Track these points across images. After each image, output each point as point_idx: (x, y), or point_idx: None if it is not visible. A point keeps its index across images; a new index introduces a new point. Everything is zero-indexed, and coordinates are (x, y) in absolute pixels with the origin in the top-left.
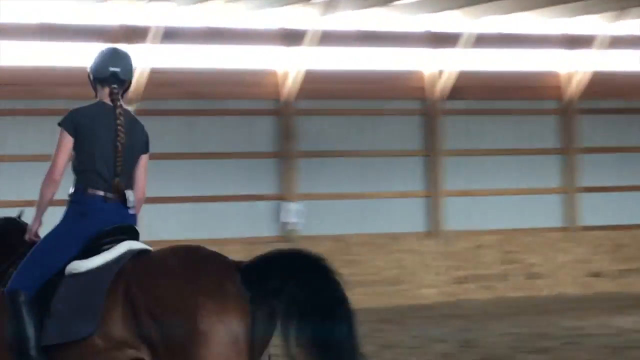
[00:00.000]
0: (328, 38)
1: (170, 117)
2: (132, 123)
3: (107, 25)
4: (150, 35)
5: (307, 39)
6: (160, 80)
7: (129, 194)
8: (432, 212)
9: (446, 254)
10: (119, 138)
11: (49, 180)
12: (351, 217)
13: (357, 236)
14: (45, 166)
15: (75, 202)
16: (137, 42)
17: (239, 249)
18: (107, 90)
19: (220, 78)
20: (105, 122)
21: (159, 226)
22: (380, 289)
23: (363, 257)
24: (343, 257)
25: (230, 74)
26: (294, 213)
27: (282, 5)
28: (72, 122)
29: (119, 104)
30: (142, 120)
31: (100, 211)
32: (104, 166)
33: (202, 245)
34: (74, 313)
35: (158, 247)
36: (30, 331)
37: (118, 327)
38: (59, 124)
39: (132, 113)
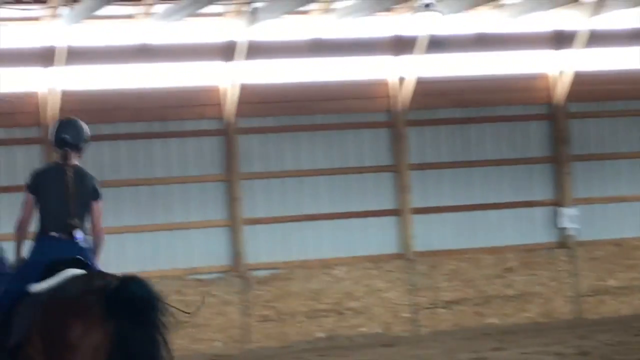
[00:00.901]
0: (597, 39)
1: (441, 127)
2: (82, 177)
3: (376, 38)
4: (417, 46)
5: (576, 40)
6: (428, 90)
7: (77, 232)
8: None
9: None
10: (67, 191)
11: (16, 229)
12: (630, 220)
13: (636, 240)
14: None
15: (37, 241)
16: (404, 53)
17: (514, 257)
18: (60, 153)
19: (489, 85)
20: (58, 179)
21: (435, 236)
22: None
23: None
24: (623, 261)
25: (499, 80)
26: (569, 218)
27: (551, 8)
28: (33, 183)
29: (68, 163)
30: (412, 130)
31: (54, 247)
32: (58, 213)
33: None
34: (19, 323)
35: (433, 258)
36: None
37: (36, 338)
38: (25, 186)
39: (82, 169)
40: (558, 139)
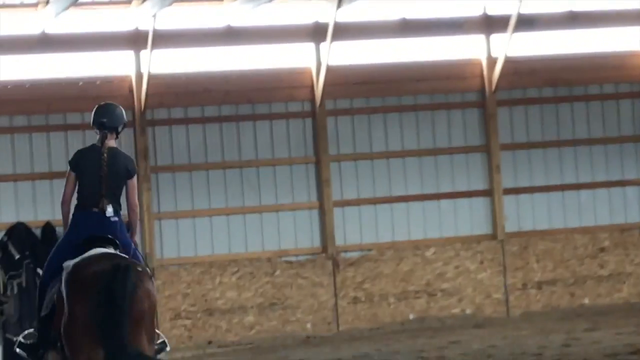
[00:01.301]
0: None
1: (531, 106)
2: (116, 157)
3: (465, 17)
4: (507, 24)
5: None
6: (518, 69)
7: (109, 208)
8: None
9: None
10: (102, 170)
11: (61, 204)
12: None
13: None
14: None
15: (74, 215)
16: (494, 32)
17: (607, 237)
18: (99, 135)
19: (580, 63)
20: (94, 158)
21: (526, 216)
22: None
23: None
24: None
25: (590, 58)
26: None
27: None
28: (74, 162)
29: (105, 144)
30: (503, 110)
31: (87, 222)
32: (92, 190)
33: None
34: (50, 296)
35: (525, 238)
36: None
37: (59, 310)
38: (68, 163)
39: (118, 149)
40: None
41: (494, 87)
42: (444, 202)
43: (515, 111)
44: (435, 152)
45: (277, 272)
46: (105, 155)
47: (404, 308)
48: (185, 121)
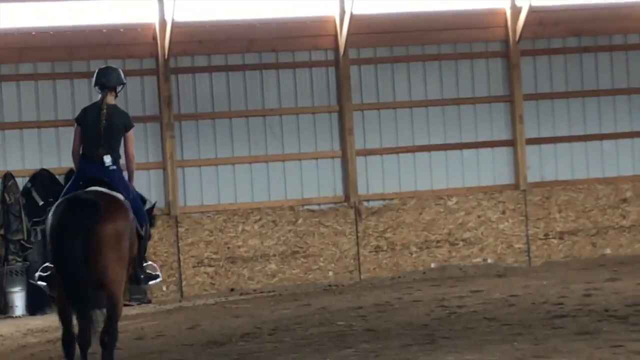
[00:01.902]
0: None
1: (555, 56)
2: (114, 113)
3: None
4: None
5: None
6: (542, 19)
7: (106, 158)
8: None
9: None
10: (101, 124)
11: (72, 154)
12: None
13: None
14: None
15: (80, 163)
16: None
17: (629, 187)
18: (100, 94)
19: (604, 13)
20: (95, 114)
21: (549, 167)
22: None
23: None
24: None
25: (614, 8)
26: None
27: None
28: (79, 117)
29: (105, 101)
30: (526, 60)
31: (88, 168)
32: (93, 142)
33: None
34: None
35: (547, 189)
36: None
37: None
38: (75, 119)
39: (117, 106)
40: None
41: (517, 37)
42: (467, 152)
43: (539, 61)
44: (458, 101)
45: (300, 221)
46: (104, 111)
47: (425, 257)
48: (209, 69)
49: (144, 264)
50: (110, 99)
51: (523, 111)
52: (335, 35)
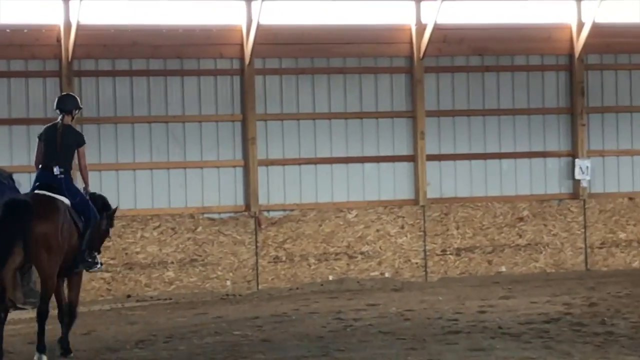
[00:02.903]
0: None
1: (458, 74)
2: (69, 132)
3: None
4: None
5: None
6: (446, 37)
7: (55, 168)
8: None
9: None
10: (56, 141)
11: (35, 164)
12: None
13: None
14: None
15: (38, 172)
16: None
17: (526, 207)
18: (59, 116)
19: (508, 33)
20: (53, 133)
21: (448, 183)
22: None
23: None
24: (634, 215)
25: (518, 29)
26: (582, 170)
27: None
28: (41, 135)
29: (63, 122)
30: (429, 77)
31: (42, 176)
32: (48, 156)
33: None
34: None
35: (446, 205)
36: None
37: None
38: (38, 137)
39: (71, 126)
40: (575, 91)
41: (422, 53)
42: (368, 166)
43: (442, 78)
44: (361, 115)
45: (199, 229)
46: (60, 130)
47: (324, 269)
48: (113, 73)
49: (86, 254)
50: (67, 120)
51: (425, 127)
52: (242, 45)
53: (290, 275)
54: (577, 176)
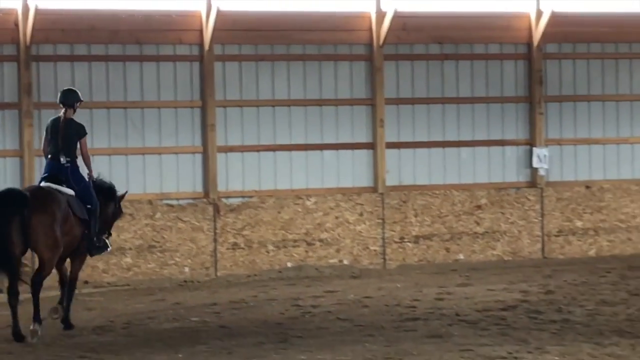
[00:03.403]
0: None
1: (417, 62)
2: (71, 124)
3: None
4: None
5: None
6: (406, 25)
7: (62, 157)
8: None
9: None
10: (59, 133)
11: (43, 153)
12: (601, 162)
13: (606, 182)
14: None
15: (46, 162)
16: None
17: (484, 195)
18: (61, 110)
19: (468, 22)
20: (57, 125)
21: (407, 171)
22: (630, 235)
23: (612, 203)
24: (592, 203)
25: (478, 17)
26: (540, 158)
27: None
28: (47, 127)
29: (65, 116)
30: (389, 64)
31: (49, 165)
32: (53, 146)
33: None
34: None
35: (405, 192)
36: None
37: None
38: (45, 129)
39: (73, 119)
40: (533, 79)
41: (381, 41)
42: (327, 153)
43: (402, 66)
44: (321, 102)
45: (158, 215)
46: (62, 123)
47: (282, 256)
48: (71, 58)
49: (95, 238)
50: (69, 113)
51: (384, 115)
52: (201, 31)
53: (248, 262)
54: (535, 164)
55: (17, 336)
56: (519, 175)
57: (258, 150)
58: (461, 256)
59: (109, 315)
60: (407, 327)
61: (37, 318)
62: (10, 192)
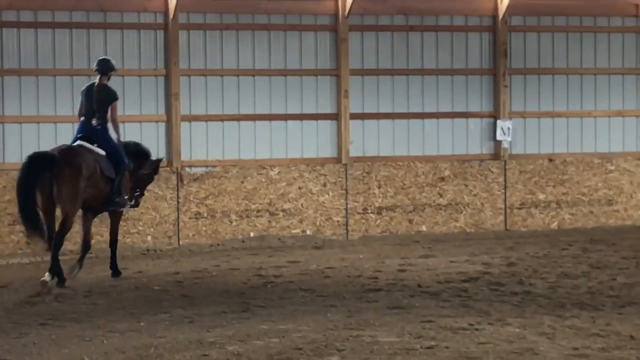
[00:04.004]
0: None
1: (382, 33)
2: (104, 89)
3: None
4: None
5: None
6: None
7: (94, 120)
8: None
9: None
10: (93, 98)
11: (77, 117)
12: (564, 136)
13: (569, 155)
14: None
15: (79, 123)
16: None
17: (448, 167)
18: (98, 76)
19: None
20: (91, 90)
21: (371, 142)
22: (592, 209)
23: (575, 176)
24: (555, 176)
25: None
26: (504, 131)
27: None
28: (83, 91)
29: (97, 81)
30: (354, 35)
31: (82, 127)
32: (87, 109)
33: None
34: None
35: (368, 163)
36: None
37: None
38: (80, 92)
39: (107, 85)
40: (498, 52)
41: (347, 11)
42: (291, 124)
43: (367, 37)
44: (285, 72)
45: None
46: (96, 88)
47: (245, 226)
48: (35, 25)
49: (115, 196)
50: (103, 80)
51: (349, 86)
52: None
53: (211, 232)
54: (499, 137)
55: (59, 277)
56: (482, 148)
57: (222, 120)
58: (424, 228)
59: (71, 283)
60: (369, 298)
61: (53, 270)
62: (41, 155)
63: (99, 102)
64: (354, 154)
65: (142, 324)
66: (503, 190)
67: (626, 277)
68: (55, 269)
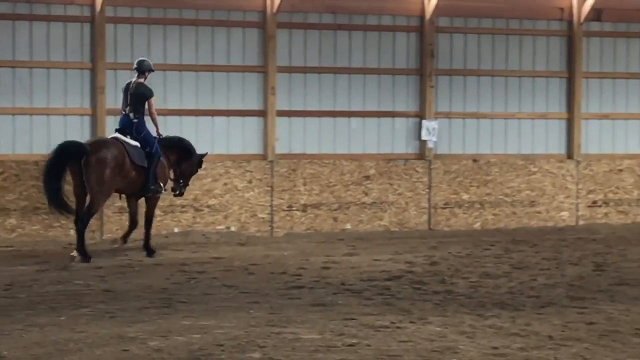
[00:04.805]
0: None
1: (310, 31)
2: (141, 87)
3: None
4: None
5: None
6: None
7: (132, 114)
8: (570, 134)
9: (583, 176)
10: (130, 93)
11: (121, 111)
12: (488, 137)
13: (493, 156)
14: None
15: (120, 117)
16: None
17: (373, 165)
18: (135, 74)
19: None
20: (129, 87)
21: (297, 139)
22: (515, 209)
23: (499, 177)
24: (478, 176)
25: None
26: (429, 131)
27: None
28: (124, 88)
29: (135, 79)
30: (282, 32)
31: (122, 120)
32: (126, 104)
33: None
34: None
35: (294, 161)
36: None
37: None
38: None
39: (143, 83)
40: (424, 52)
41: (275, 8)
42: (218, 119)
43: (295, 35)
44: (212, 68)
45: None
46: (133, 86)
47: (169, 221)
48: None
49: (154, 183)
50: (141, 78)
51: (276, 83)
52: None
53: None
54: (424, 137)
55: (83, 253)
56: (408, 147)
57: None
58: (348, 226)
59: None
60: (292, 295)
61: (79, 248)
62: (70, 144)
63: (135, 98)
64: (280, 151)
65: (62, 318)
66: (427, 190)
67: (547, 278)
68: (80, 247)
